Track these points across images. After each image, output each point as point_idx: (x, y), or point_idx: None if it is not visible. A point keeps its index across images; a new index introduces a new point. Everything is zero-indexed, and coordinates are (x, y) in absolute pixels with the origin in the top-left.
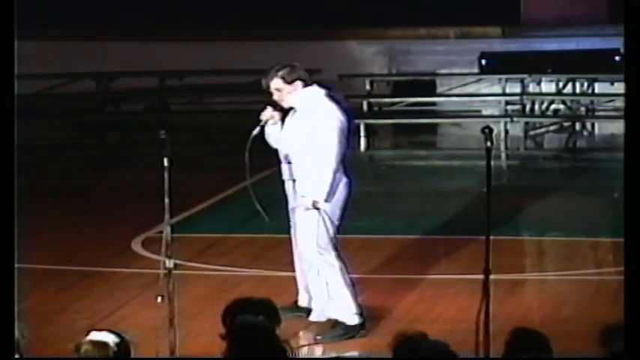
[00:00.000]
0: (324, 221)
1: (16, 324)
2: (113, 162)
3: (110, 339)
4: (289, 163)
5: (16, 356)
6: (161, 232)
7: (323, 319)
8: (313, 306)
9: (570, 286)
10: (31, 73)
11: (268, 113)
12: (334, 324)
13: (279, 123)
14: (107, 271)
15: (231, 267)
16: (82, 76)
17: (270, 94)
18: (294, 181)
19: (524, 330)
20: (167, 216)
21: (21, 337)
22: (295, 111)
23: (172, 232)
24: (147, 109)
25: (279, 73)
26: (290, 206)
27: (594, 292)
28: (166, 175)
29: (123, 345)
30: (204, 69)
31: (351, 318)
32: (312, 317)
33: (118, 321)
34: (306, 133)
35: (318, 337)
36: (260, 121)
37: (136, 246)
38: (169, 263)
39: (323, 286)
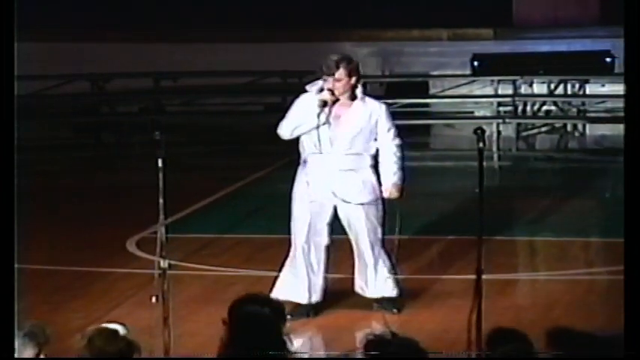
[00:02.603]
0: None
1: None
2: (108, 163)
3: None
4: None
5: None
6: (155, 232)
7: (379, 295)
8: (370, 284)
9: (561, 286)
10: (26, 74)
11: (328, 96)
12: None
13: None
14: (102, 271)
15: (225, 267)
16: (77, 77)
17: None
18: (352, 170)
19: (504, 329)
20: (161, 216)
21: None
22: (341, 104)
23: (167, 232)
24: (142, 110)
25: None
26: (340, 197)
27: (585, 292)
28: (161, 175)
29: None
30: (199, 70)
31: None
32: (372, 294)
33: (112, 321)
34: (371, 123)
35: (395, 311)
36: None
37: (131, 246)
38: (164, 263)
39: (385, 264)
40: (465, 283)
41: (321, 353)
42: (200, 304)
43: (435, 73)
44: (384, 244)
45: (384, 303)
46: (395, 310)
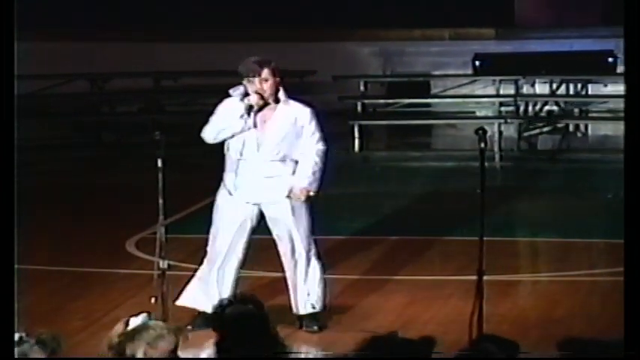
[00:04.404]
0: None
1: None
2: (108, 163)
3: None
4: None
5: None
6: (155, 232)
7: (318, 307)
8: (305, 296)
9: (563, 287)
10: (26, 73)
11: (255, 100)
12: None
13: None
14: (101, 272)
15: None
16: (77, 77)
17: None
18: (278, 177)
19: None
20: (161, 217)
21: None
22: (267, 107)
23: (166, 232)
24: (142, 110)
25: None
26: (266, 202)
27: (587, 293)
28: (160, 175)
29: None
30: (199, 70)
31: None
32: (306, 307)
33: (112, 322)
34: (297, 127)
35: (316, 328)
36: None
37: (130, 247)
38: (163, 264)
39: (317, 274)
40: (466, 283)
41: (320, 354)
42: None
43: (437, 72)
44: (318, 254)
45: (305, 321)
46: (316, 328)
